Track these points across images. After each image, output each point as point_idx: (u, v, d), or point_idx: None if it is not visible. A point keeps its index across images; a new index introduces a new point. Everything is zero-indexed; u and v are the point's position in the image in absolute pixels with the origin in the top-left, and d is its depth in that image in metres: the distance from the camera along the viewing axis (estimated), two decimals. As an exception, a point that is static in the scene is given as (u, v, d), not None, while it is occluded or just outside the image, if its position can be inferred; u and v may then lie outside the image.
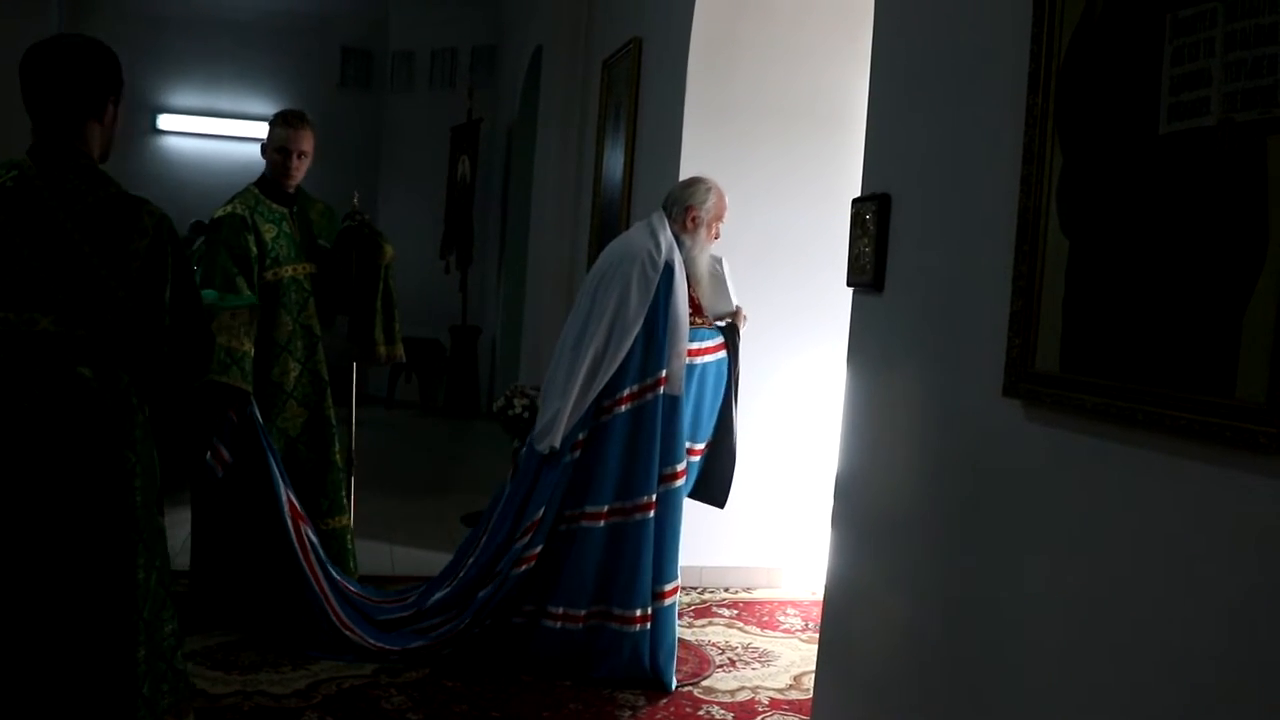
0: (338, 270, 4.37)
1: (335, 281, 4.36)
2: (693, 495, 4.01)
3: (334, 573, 3.95)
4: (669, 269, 3.77)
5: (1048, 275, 2.09)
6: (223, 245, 4.01)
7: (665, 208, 3.91)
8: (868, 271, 2.90)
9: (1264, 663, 1.58)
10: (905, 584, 2.70)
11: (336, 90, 11.02)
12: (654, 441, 3.72)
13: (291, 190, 4.27)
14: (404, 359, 4.57)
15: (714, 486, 4.03)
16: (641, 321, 3.73)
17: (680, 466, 3.76)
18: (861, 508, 2.95)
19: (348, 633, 3.76)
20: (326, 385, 4.26)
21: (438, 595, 3.90)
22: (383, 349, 4.41)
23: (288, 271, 4.16)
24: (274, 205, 4.21)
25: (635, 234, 3.94)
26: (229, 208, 4.12)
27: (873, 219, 2.87)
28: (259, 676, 3.53)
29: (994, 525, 2.30)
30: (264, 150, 4.27)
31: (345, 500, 4.32)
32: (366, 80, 11.11)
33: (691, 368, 3.84)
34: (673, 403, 3.75)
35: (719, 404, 3.99)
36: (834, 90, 4.87)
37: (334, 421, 4.26)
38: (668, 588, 3.75)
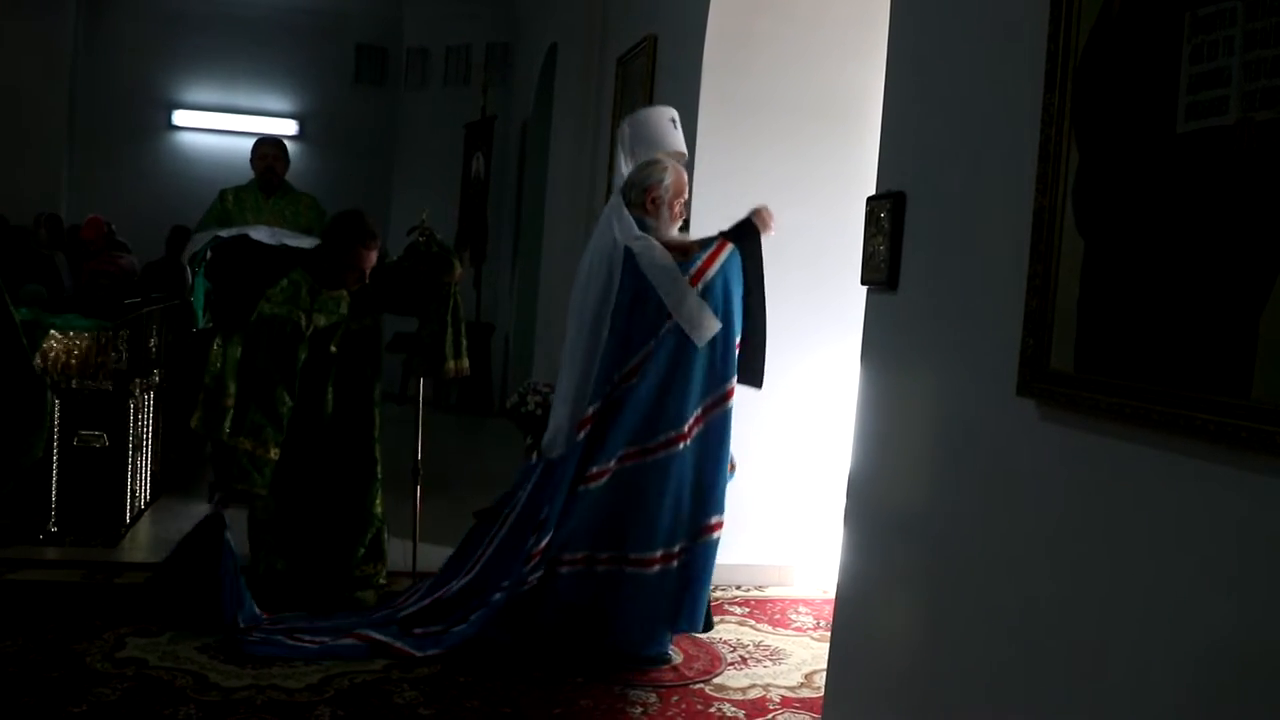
0: (405, 286, 4.43)
1: (402, 297, 4.44)
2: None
3: (307, 629, 3.90)
4: (626, 250, 3.80)
5: (1063, 274, 2.08)
6: (265, 352, 4.05)
7: (624, 193, 3.94)
8: (882, 270, 2.89)
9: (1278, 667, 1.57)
10: (917, 582, 2.70)
11: (351, 87, 11.05)
12: (690, 374, 3.73)
13: None
14: (469, 372, 4.66)
15: (748, 370, 3.94)
16: (610, 304, 3.78)
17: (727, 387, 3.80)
18: (874, 506, 2.95)
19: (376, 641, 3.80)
20: (376, 440, 4.36)
21: (457, 584, 3.94)
22: (451, 364, 4.49)
23: (333, 348, 4.25)
24: (331, 293, 4.22)
25: (597, 237, 3.98)
26: (284, 309, 4.11)
27: (887, 217, 2.86)
28: (271, 671, 3.54)
29: (1007, 524, 2.30)
30: (329, 247, 4.24)
31: (385, 548, 4.42)
32: (381, 77, 11.13)
33: (710, 283, 3.78)
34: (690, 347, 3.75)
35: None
36: (849, 88, 4.86)
37: (379, 474, 4.38)
38: (713, 520, 3.79)
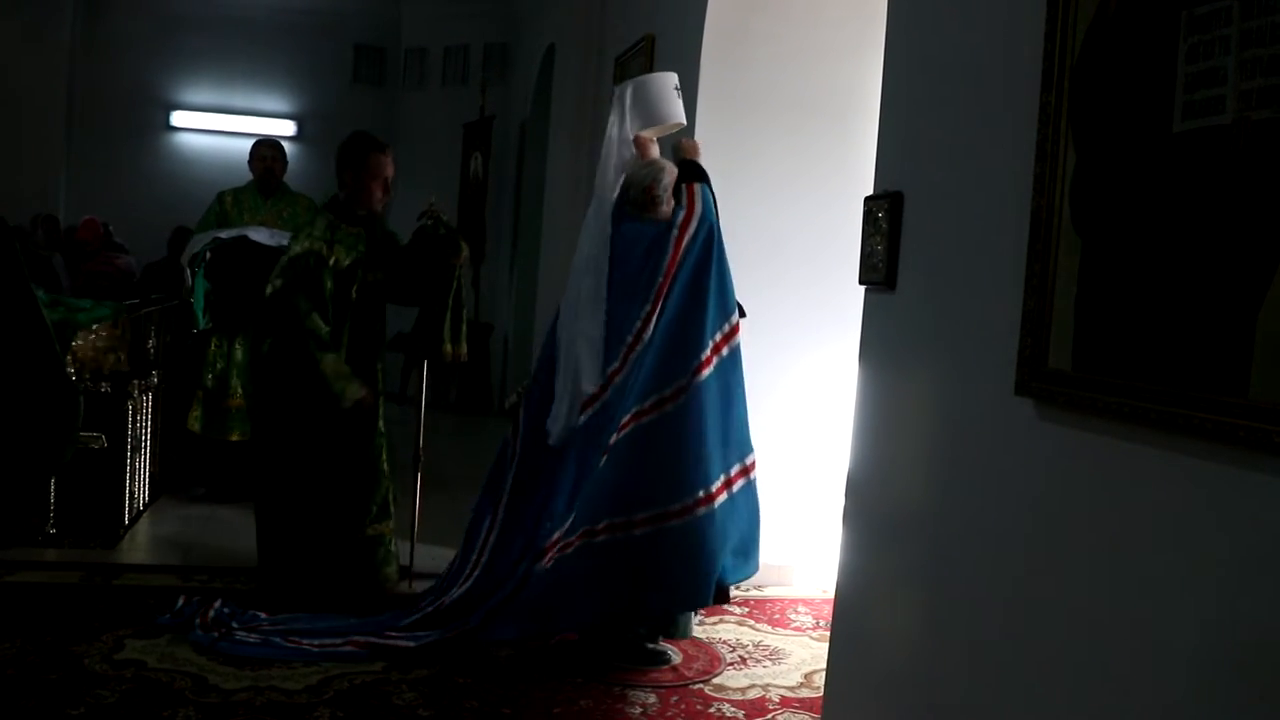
0: (413, 269, 4.44)
1: (410, 281, 4.45)
2: None
3: (306, 631, 3.89)
4: (612, 231, 3.91)
5: (1060, 274, 2.08)
6: (298, 287, 4.09)
7: (624, 190, 3.95)
8: (880, 270, 2.89)
9: (1276, 665, 1.57)
10: (916, 582, 2.70)
11: (349, 87, 11.04)
12: (705, 308, 3.75)
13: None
14: (467, 358, 4.66)
15: None
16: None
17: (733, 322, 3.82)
18: (873, 506, 2.95)
19: (378, 642, 3.80)
20: (381, 394, 4.41)
21: (457, 592, 3.93)
22: (449, 348, 4.49)
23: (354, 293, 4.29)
24: (350, 229, 4.27)
25: (590, 227, 4.03)
26: (305, 244, 4.15)
27: (885, 217, 2.86)
28: (270, 672, 3.54)
29: (1006, 523, 2.30)
30: (344, 172, 4.31)
31: (392, 507, 4.45)
32: (379, 77, 11.12)
33: (703, 219, 3.79)
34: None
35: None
36: (847, 87, 4.86)
37: (383, 429, 4.41)
38: (748, 460, 3.80)
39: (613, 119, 4.03)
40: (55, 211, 9.32)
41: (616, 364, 3.76)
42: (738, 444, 3.79)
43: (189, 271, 5.97)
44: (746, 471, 3.80)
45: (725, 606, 4.57)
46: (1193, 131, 1.75)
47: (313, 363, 4.08)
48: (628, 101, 4.02)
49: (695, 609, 3.87)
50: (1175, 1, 1.80)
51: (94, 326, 5.10)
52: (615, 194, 3.96)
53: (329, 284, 4.12)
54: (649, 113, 4.01)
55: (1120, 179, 1.93)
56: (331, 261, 4.14)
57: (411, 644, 3.75)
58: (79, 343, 4.98)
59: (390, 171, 4.34)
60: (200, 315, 5.91)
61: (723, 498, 3.71)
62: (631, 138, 4.01)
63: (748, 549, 3.82)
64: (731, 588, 3.99)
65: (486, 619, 3.77)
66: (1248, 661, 1.63)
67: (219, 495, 5.86)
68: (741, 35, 4.86)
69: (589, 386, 3.80)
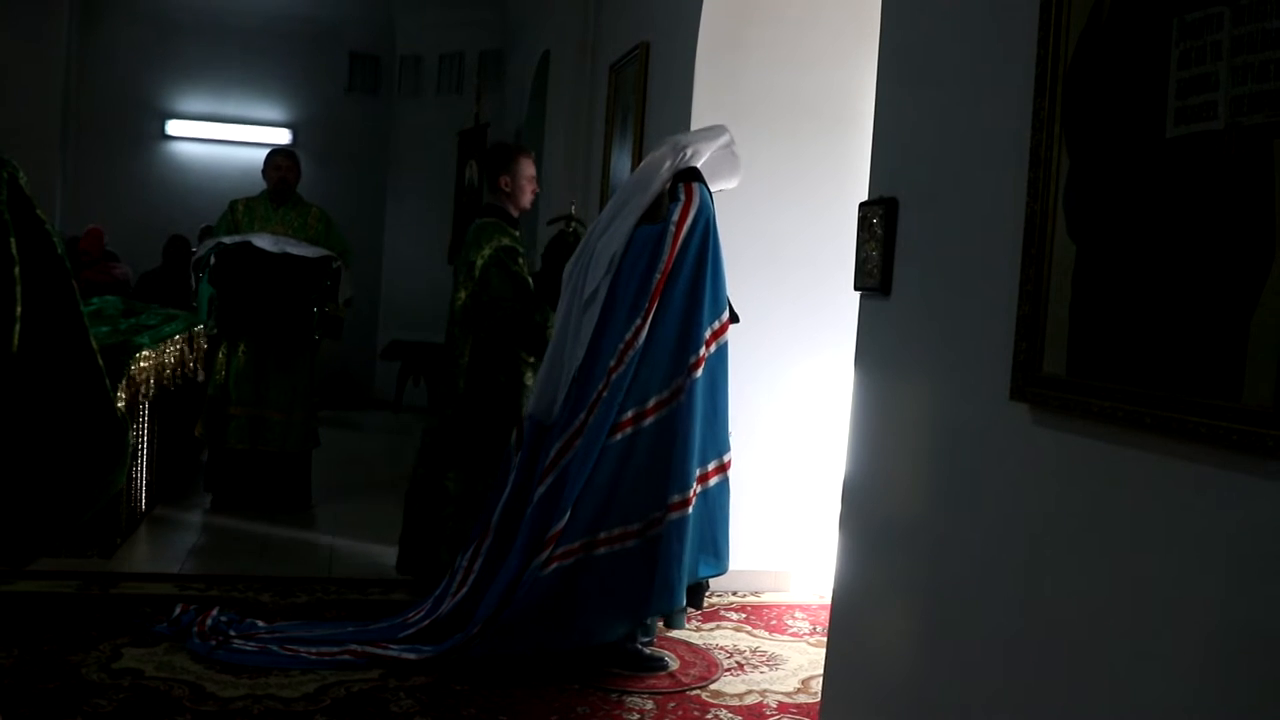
0: (549, 276, 4.54)
1: (545, 290, 4.53)
2: None
3: (303, 639, 3.87)
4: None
5: (1055, 279, 2.09)
6: (520, 273, 4.40)
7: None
8: (875, 276, 2.90)
9: (1272, 667, 1.58)
10: (913, 587, 2.70)
11: (344, 95, 11.05)
12: (700, 309, 3.76)
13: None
14: None
15: None
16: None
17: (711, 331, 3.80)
18: (869, 511, 2.95)
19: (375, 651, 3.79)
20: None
21: (449, 605, 3.93)
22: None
23: None
24: (515, 232, 4.54)
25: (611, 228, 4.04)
26: (505, 240, 4.43)
27: (880, 223, 2.87)
28: (268, 680, 3.54)
29: (1001, 528, 2.30)
30: (500, 181, 4.58)
31: None
32: (374, 85, 11.13)
33: (697, 217, 3.77)
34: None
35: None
36: (841, 93, 4.87)
37: None
38: (725, 458, 3.80)
39: (699, 144, 3.90)
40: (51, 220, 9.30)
41: (613, 361, 3.74)
42: (717, 442, 3.79)
43: (193, 276, 6.02)
44: (722, 469, 3.80)
45: (722, 612, 4.58)
46: (1185, 137, 1.76)
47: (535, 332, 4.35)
48: (713, 145, 3.92)
49: (669, 611, 3.80)
50: (1167, 7, 1.81)
51: (167, 343, 5.26)
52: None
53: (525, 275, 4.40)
54: (717, 173, 3.94)
55: (1114, 184, 1.94)
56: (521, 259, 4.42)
57: (413, 657, 3.74)
58: (142, 363, 5.00)
59: (534, 171, 4.62)
60: (205, 320, 5.96)
61: (695, 498, 3.70)
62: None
63: (718, 547, 3.81)
64: (705, 597, 4.02)
65: (484, 630, 3.74)
66: (1247, 665, 1.63)
67: (219, 504, 5.87)
68: (736, 42, 4.87)
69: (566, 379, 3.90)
